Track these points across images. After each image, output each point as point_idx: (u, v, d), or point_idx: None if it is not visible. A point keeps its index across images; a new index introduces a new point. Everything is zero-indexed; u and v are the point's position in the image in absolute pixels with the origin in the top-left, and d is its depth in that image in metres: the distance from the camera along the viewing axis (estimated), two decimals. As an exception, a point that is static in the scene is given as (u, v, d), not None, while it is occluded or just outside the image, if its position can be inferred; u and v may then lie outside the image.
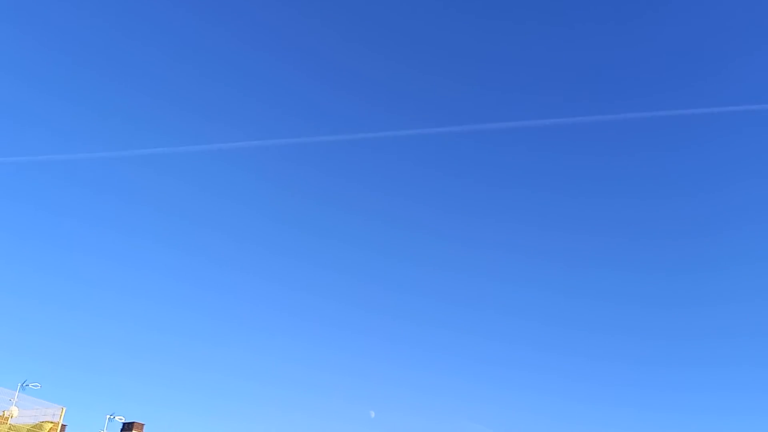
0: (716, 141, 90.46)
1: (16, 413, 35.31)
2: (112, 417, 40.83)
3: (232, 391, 75.23)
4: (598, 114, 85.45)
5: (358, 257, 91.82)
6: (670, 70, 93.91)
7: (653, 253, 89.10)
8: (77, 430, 39.66)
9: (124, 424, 42.09)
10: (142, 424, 43.09)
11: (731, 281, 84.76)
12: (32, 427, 35.72)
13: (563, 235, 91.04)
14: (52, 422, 36.94)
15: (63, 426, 37.43)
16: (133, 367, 70.73)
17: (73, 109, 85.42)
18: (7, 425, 34.84)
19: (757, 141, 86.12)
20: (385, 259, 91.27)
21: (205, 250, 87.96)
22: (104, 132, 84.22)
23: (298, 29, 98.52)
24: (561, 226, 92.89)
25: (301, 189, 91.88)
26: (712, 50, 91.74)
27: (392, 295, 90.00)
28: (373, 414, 59.30)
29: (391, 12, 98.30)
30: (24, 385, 35.86)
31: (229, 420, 68.44)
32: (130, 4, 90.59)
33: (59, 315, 76.61)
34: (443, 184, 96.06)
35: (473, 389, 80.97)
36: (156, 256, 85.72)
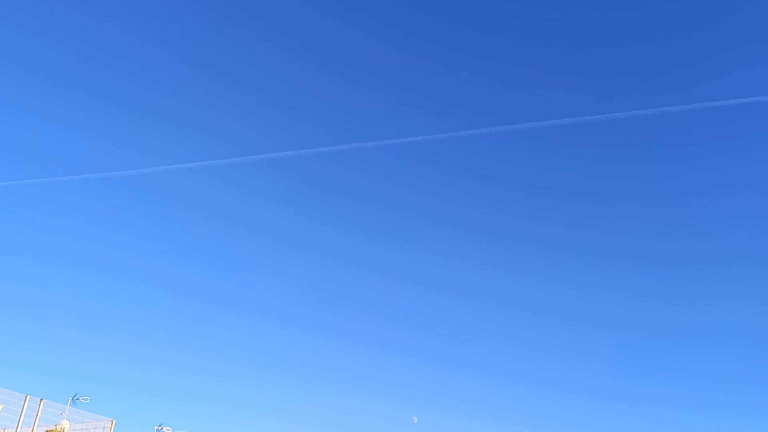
0: (719, 136, 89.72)
1: (67, 427, 34.34)
2: (160, 428, 39.83)
3: (276, 390, 74.53)
4: (600, 113, 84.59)
5: (401, 257, 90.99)
6: (667, 67, 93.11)
7: (659, 249, 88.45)
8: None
9: (171, 435, 40.94)
10: (189, 435, 41.87)
11: (731, 280, 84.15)
12: (83, 440, 34.86)
13: (600, 233, 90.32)
14: (102, 435, 36.12)
15: (113, 439, 36.54)
16: (181, 372, 69.95)
17: (134, 126, 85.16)
18: (60, 440, 33.96)
19: (760, 135, 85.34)
20: (428, 258, 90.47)
21: (252, 252, 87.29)
22: (164, 146, 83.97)
23: (333, 36, 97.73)
24: (585, 223, 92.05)
25: (354, 195, 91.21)
26: (714, 47, 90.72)
27: (434, 294, 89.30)
28: (416, 420, 58.14)
29: (407, 10, 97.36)
30: (74, 399, 35.02)
31: (272, 420, 67.71)
32: (186, 20, 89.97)
33: (105, 320, 75.93)
34: (470, 185, 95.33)
35: (517, 390, 80.00)
36: (199, 258, 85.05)
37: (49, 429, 33.96)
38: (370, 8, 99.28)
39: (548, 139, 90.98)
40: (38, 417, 32.50)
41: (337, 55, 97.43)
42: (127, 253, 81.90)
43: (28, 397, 31.83)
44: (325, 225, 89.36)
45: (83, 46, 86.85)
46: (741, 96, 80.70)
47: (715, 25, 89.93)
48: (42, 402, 32.60)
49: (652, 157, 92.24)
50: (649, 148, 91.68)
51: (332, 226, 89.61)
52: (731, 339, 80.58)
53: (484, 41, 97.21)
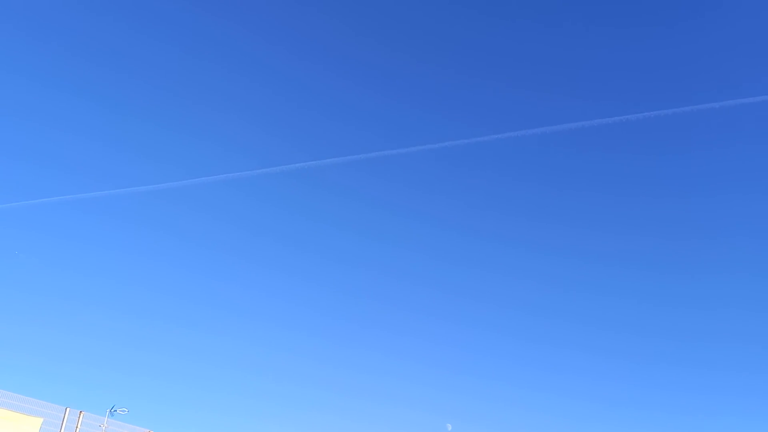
0: (724, 139, 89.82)
1: (106, 439, 33.37)
2: (196, 438, 38.83)
3: (309, 402, 73.84)
4: (601, 117, 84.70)
5: (434, 268, 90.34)
6: (670, 69, 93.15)
7: (664, 252, 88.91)
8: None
9: (206, 445, 39.75)
10: (224, 445, 40.63)
11: (737, 284, 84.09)
12: (121, 453, 33.78)
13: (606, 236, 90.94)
14: (139, 447, 35.18)
15: (150, 450, 35.57)
16: (215, 382, 68.98)
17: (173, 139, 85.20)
18: (98, 453, 32.86)
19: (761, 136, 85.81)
20: (459, 268, 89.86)
21: (286, 265, 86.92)
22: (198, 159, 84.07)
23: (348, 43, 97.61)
24: (586, 225, 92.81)
25: (388, 206, 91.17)
26: (716, 47, 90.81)
27: (466, 304, 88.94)
28: (450, 427, 57.12)
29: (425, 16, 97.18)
30: (112, 410, 34.10)
31: (306, 428, 67.22)
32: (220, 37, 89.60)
33: (138, 332, 75.23)
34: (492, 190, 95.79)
35: (545, 400, 79.54)
36: (230, 271, 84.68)
37: (87, 442, 32.99)
38: (384, 15, 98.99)
39: (550, 143, 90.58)
40: (78, 429, 31.59)
41: (341, 57, 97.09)
42: (159, 266, 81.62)
43: (68, 409, 30.82)
44: (366, 238, 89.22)
45: (91, 52, 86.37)
46: (746, 96, 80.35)
47: (717, 25, 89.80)
48: (81, 414, 31.57)
49: (655, 160, 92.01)
50: (652, 152, 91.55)
51: (370, 239, 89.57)
52: (737, 343, 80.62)
53: (484, 43, 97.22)
